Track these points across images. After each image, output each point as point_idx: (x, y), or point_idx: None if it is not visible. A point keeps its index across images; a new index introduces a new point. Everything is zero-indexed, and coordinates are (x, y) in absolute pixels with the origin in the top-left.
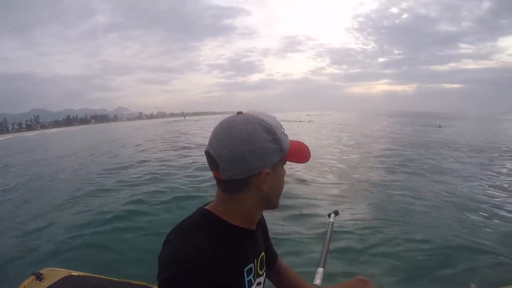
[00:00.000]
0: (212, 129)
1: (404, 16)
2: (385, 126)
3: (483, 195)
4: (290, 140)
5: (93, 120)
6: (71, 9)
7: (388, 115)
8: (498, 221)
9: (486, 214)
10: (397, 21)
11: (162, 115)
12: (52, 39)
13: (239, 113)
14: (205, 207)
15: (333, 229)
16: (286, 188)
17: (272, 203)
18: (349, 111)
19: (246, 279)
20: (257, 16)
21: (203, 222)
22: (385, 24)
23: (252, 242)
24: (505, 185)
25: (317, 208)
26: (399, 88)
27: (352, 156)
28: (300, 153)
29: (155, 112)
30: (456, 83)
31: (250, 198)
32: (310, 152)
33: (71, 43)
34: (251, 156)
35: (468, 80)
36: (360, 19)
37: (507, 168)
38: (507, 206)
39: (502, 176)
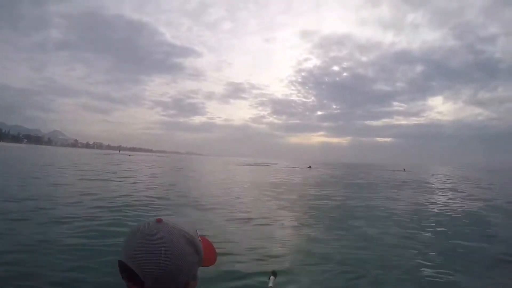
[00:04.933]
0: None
1: (344, 74)
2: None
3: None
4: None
5: (25, 140)
6: (28, 16)
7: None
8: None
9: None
10: (337, 79)
11: (99, 146)
12: (1, 43)
13: (158, 220)
14: None
15: None
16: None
17: None
18: (286, 159)
19: None
20: (207, 59)
21: None
22: (326, 80)
23: None
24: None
25: (254, 267)
26: (335, 140)
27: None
28: (211, 257)
29: (91, 142)
30: (388, 137)
31: None
32: (216, 252)
33: (20, 52)
34: (178, 272)
35: (399, 134)
36: (303, 74)
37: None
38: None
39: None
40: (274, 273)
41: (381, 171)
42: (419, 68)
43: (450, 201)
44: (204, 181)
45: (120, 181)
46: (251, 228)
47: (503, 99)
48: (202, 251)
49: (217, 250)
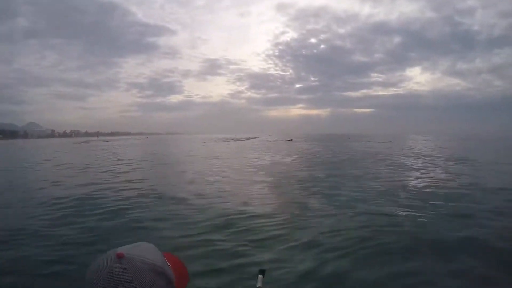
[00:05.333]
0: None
1: (322, 46)
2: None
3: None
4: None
5: (0, 136)
6: None
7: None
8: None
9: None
10: (315, 51)
11: (76, 133)
12: None
13: (119, 255)
14: None
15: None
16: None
17: None
18: (266, 133)
19: None
20: (182, 37)
21: None
22: (304, 53)
23: None
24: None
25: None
26: (314, 112)
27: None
28: (183, 278)
29: (68, 130)
30: (366, 108)
31: None
32: (186, 270)
33: None
34: None
35: (377, 105)
36: (281, 47)
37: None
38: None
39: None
40: (262, 271)
41: (367, 142)
42: (397, 39)
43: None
44: (176, 165)
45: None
46: (221, 220)
47: (480, 70)
48: (174, 277)
49: (183, 255)
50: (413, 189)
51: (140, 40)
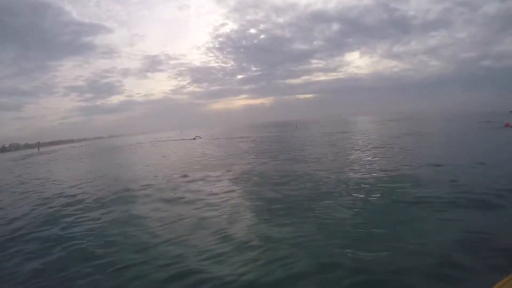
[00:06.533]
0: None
1: (262, 36)
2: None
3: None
4: None
5: None
6: None
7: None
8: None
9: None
10: (255, 41)
11: (16, 147)
12: None
13: None
14: None
15: None
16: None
17: None
18: (211, 126)
19: None
20: (119, 35)
21: None
22: (244, 43)
23: None
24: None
25: None
26: (257, 101)
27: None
28: None
29: (7, 144)
30: (309, 94)
31: None
32: None
33: None
34: None
35: (319, 90)
36: (221, 39)
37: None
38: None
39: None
40: None
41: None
42: (335, 26)
43: None
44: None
45: None
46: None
47: (416, 51)
48: None
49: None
50: None
51: (76, 40)
